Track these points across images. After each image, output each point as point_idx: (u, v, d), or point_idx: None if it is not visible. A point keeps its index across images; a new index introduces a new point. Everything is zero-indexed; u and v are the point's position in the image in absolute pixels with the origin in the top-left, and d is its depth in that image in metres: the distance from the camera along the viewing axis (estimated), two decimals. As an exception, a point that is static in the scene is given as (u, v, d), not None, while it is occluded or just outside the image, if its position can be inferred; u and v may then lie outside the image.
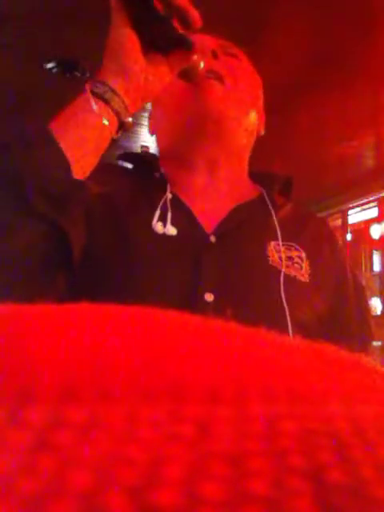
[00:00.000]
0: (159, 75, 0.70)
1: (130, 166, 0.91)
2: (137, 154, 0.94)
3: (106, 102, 0.66)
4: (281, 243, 0.82)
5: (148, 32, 0.67)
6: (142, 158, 0.91)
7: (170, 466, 0.11)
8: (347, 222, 5.32)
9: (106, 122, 0.65)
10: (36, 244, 0.61)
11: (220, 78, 0.80)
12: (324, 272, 0.85)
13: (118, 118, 0.67)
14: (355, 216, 5.32)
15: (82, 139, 0.64)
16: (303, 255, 0.83)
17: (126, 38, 0.67)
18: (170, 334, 0.16)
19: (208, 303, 0.72)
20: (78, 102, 0.66)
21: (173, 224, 0.77)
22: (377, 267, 5.18)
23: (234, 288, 0.76)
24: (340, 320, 0.85)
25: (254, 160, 0.97)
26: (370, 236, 5.14)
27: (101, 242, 0.74)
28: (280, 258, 0.80)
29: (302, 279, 0.80)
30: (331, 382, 0.15)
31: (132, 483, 0.10)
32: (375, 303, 4.83)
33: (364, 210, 5.21)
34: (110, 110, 0.66)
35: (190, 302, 0.72)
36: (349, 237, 5.31)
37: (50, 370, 0.13)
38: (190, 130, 0.83)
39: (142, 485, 0.10)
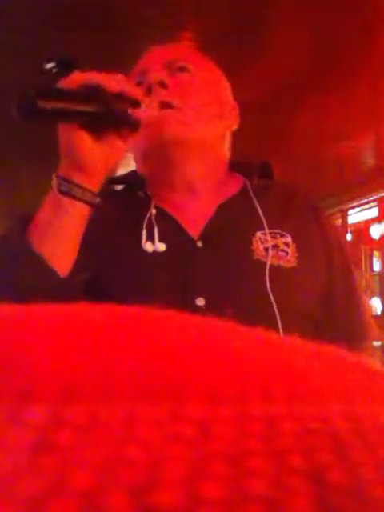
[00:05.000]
0: (115, 150, 0.75)
1: (119, 187, 0.95)
2: (122, 176, 0.97)
3: (75, 198, 0.72)
4: (267, 232, 0.83)
5: (95, 123, 0.72)
6: (127, 179, 0.94)
7: (170, 466, 0.11)
8: (347, 221, 5.32)
9: (79, 214, 0.72)
10: None
11: (171, 106, 0.82)
12: (312, 251, 0.86)
13: (88, 204, 0.73)
14: (355, 216, 5.32)
15: (62, 239, 0.71)
16: (289, 239, 0.84)
17: (76, 138, 0.71)
18: (170, 333, 0.16)
19: (199, 307, 0.74)
20: (50, 204, 0.72)
21: (160, 238, 0.80)
22: (377, 267, 5.17)
23: (223, 290, 0.78)
24: (330, 295, 0.86)
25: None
26: (370, 236, 5.13)
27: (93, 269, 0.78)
28: (265, 248, 0.81)
29: (288, 265, 0.81)
30: (331, 382, 0.15)
31: (132, 483, 0.10)
32: (375, 303, 4.83)
33: (364, 210, 5.21)
34: (81, 202, 0.72)
35: (182, 308, 0.72)
36: (349, 237, 5.31)
37: (50, 370, 0.13)
38: (154, 159, 0.86)
39: (143, 485, 0.10)
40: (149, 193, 0.87)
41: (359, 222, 5.32)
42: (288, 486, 0.11)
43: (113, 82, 0.72)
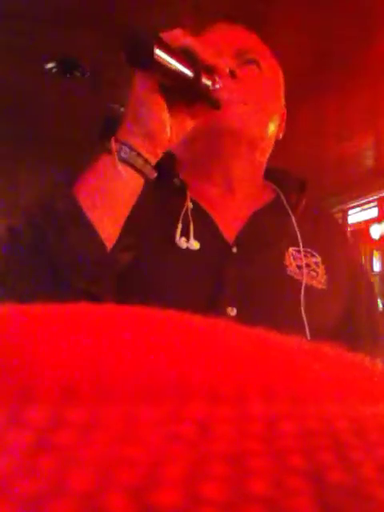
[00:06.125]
0: (182, 127, 0.69)
1: None
2: None
3: (133, 166, 0.65)
4: (301, 249, 0.81)
5: (175, 90, 0.65)
6: (160, 162, 0.89)
7: (170, 466, 0.11)
8: (347, 221, 5.32)
9: (133, 186, 0.66)
10: None
11: (236, 98, 0.78)
12: (339, 274, 0.84)
13: (143, 176, 0.67)
14: (355, 216, 5.32)
15: (111, 208, 0.64)
16: (319, 260, 0.82)
17: (153, 103, 0.65)
18: (170, 333, 0.16)
19: (230, 317, 0.71)
20: (102, 168, 0.65)
21: (195, 236, 0.76)
22: (377, 267, 5.18)
23: (255, 302, 0.76)
24: (352, 319, 0.85)
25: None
26: (369, 236, 5.13)
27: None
28: (298, 266, 0.79)
29: (319, 287, 0.79)
30: (331, 382, 0.15)
31: (132, 483, 0.10)
32: (375, 303, 4.82)
33: (364, 210, 5.21)
34: (137, 173, 0.66)
35: (212, 315, 0.69)
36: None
37: (50, 370, 0.13)
38: (206, 146, 0.81)
39: (142, 485, 0.10)
40: (183, 181, 0.82)
41: (359, 222, 5.32)
42: (288, 485, 0.11)
43: (209, 53, 0.65)
